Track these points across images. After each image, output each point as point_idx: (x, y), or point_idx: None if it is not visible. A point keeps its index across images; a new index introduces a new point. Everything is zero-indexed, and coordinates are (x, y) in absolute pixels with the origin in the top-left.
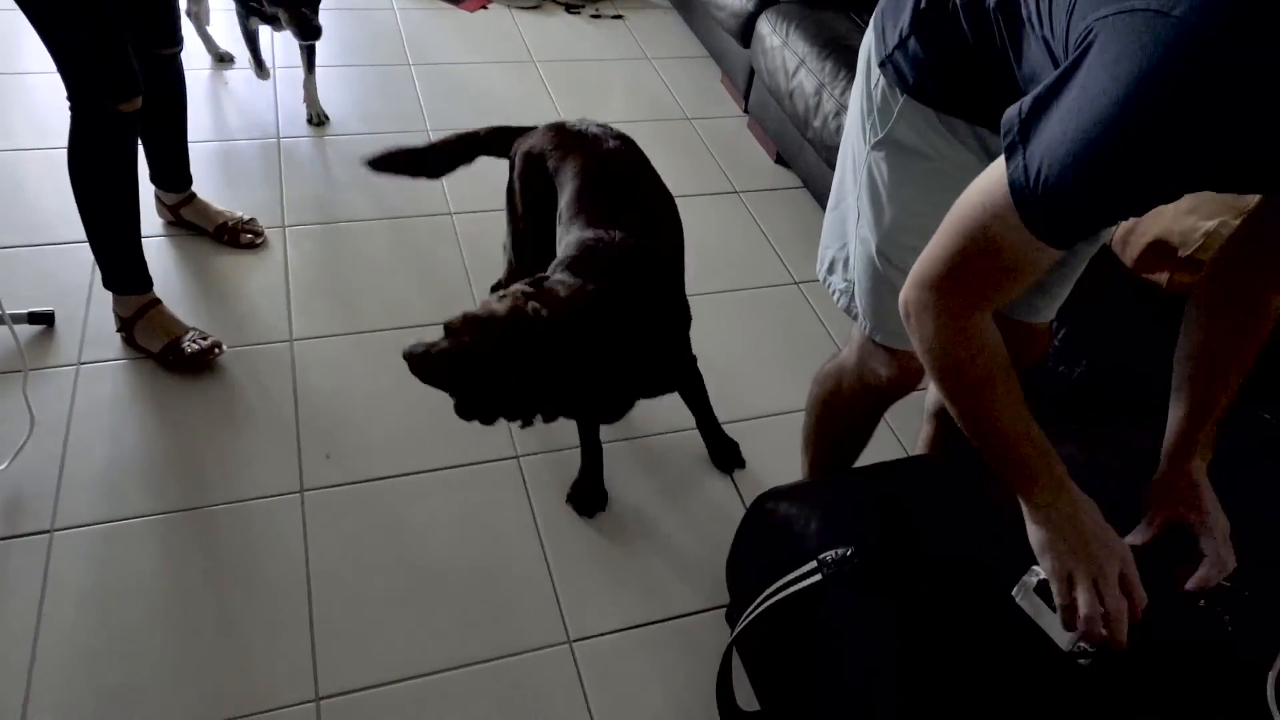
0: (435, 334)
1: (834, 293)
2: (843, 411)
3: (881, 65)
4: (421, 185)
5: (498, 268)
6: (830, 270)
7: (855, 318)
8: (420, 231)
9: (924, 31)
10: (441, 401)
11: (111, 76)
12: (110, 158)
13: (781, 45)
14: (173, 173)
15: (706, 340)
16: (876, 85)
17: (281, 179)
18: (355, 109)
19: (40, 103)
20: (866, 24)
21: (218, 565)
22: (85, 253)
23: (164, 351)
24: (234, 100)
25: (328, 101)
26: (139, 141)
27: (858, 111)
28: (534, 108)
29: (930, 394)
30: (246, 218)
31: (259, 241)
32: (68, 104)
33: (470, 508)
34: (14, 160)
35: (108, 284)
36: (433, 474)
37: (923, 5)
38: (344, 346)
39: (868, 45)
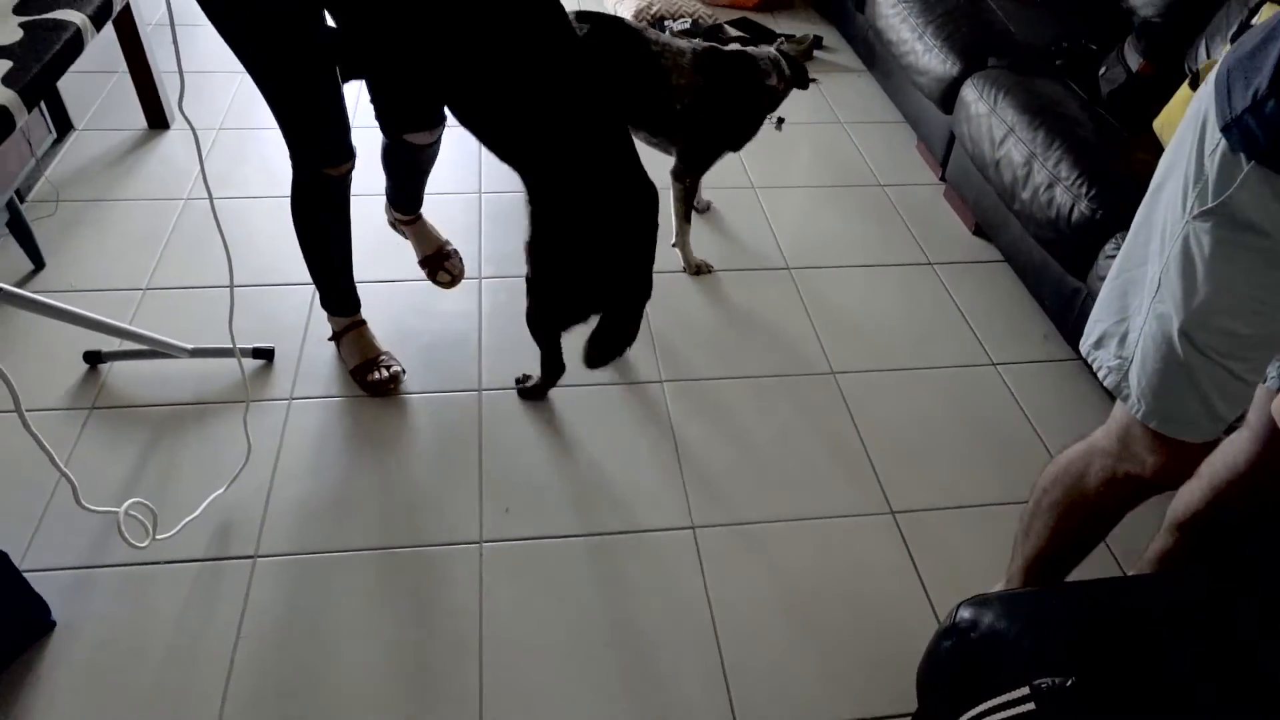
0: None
1: (1100, 369)
2: (1085, 502)
3: (1225, 129)
4: None
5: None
6: (1099, 344)
7: (1124, 399)
8: None
9: None
10: (618, 464)
11: (323, 145)
12: (323, 210)
13: (989, 113)
14: (406, 203)
15: (891, 420)
16: (1214, 151)
17: (480, 233)
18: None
19: (270, 156)
20: (1077, 89)
21: (396, 607)
22: (305, 294)
23: (356, 369)
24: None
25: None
26: (384, 164)
27: (1179, 179)
28: (720, 171)
29: (1180, 501)
30: (453, 249)
31: (450, 283)
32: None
33: (644, 574)
34: (247, 207)
35: (323, 305)
36: (605, 537)
37: None
38: (530, 403)
39: (1202, 109)
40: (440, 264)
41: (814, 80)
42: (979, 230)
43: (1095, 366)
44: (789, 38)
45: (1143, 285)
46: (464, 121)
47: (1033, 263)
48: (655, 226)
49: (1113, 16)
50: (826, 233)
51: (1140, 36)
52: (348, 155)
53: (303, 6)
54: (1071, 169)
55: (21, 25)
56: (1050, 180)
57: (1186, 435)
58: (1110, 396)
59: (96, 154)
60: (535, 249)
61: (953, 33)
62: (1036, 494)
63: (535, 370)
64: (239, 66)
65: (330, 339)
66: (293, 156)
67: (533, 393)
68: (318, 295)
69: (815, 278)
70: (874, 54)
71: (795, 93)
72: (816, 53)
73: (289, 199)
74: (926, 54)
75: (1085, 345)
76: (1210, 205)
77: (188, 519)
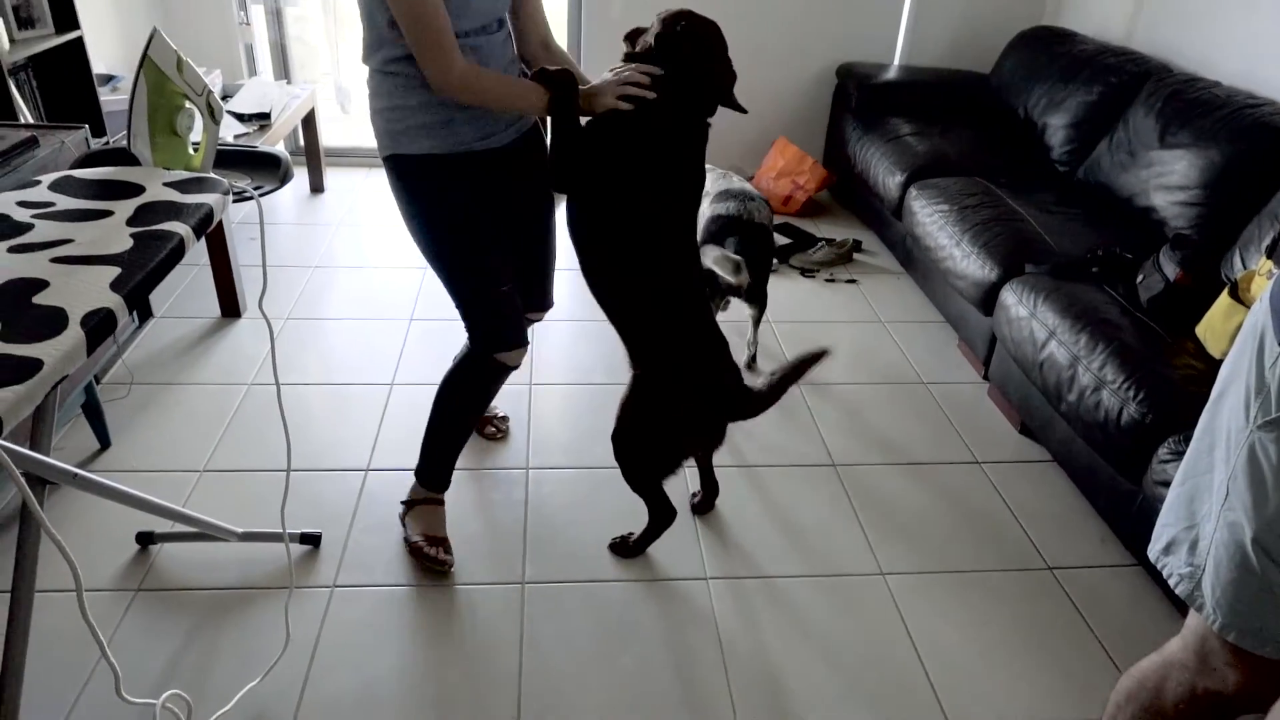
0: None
1: (1171, 575)
2: None
3: None
4: None
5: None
6: (1168, 550)
7: (1199, 609)
8: None
9: None
10: (660, 667)
11: (506, 333)
12: (477, 391)
13: (1029, 316)
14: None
15: (944, 626)
16: (1274, 364)
17: (529, 424)
18: (600, 362)
19: (330, 345)
20: (1118, 295)
21: None
22: (355, 481)
23: (418, 542)
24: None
25: (573, 363)
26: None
27: (1241, 388)
28: (763, 364)
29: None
30: (503, 415)
31: (500, 436)
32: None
33: None
34: (304, 393)
35: (417, 473)
36: None
37: None
38: (575, 597)
39: (1259, 323)
40: (490, 423)
41: (854, 281)
42: (1025, 429)
43: (1165, 573)
44: (830, 242)
45: (1210, 491)
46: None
47: (1083, 464)
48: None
49: (1145, 227)
50: (872, 430)
51: (1175, 247)
52: (517, 343)
53: (503, 204)
54: (1118, 372)
55: (132, 235)
56: (1096, 383)
57: (1268, 651)
58: (1182, 605)
59: (172, 340)
60: (627, 410)
61: (989, 240)
62: (1110, 711)
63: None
64: (312, 262)
65: (403, 503)
66: (472, 341)
67: (637, 547)
68: (419, 463)
69: (862, 475)
70: (912, 257)
71: (838, 293)
72: (856, 255)
73: (344, 384)
74: (964, 260)
75: (1154, 551)
76: (1275, 415)
77: (220, 711)
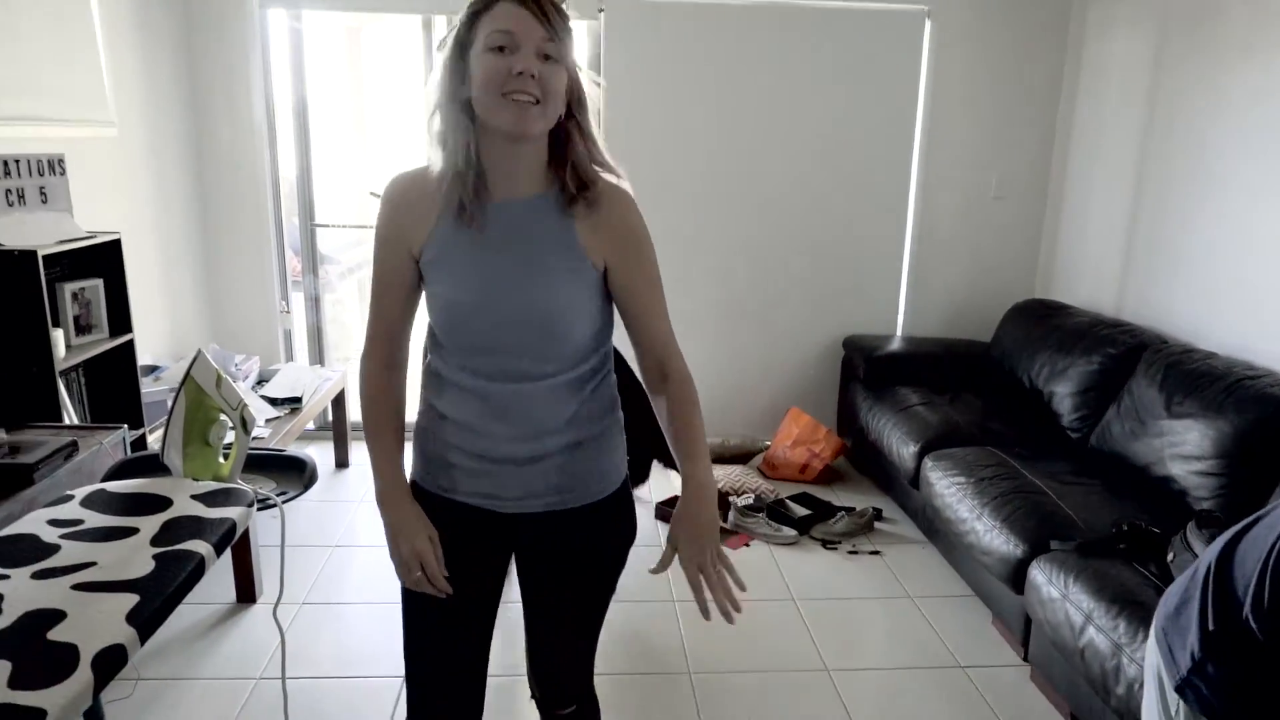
0: None
1: None
2: None
3: (1179, 690)
4: None
5: None
6: None
7: None
8: None
9: (1217, 653)
10: None
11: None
12: None
13: (1061, 598)
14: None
15: None
16: (1177, 712)
17: None
18: (626, 646)
19: (346, 633)
20: (1150, 574)
21: None
22: None
23: None
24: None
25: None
26: None
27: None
28: (794, 649)
29: None
30: None
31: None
32: None
33: None
34: (314, 689)
35: None
36: None
37: (1211, 626)
38: None
39: (1155, 664)
40: None
41: (877, 552)
42: (1075, 718)
43: None
44: (849, 511)
45: None
46: None
47: None
48: None
49: (1166, 497)
50: None
51: (1202, 526)
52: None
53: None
54: None
55: (155, 556)
56: (1143, 673)
57: None
58: None
59: (184, 628)
60: None
61: (1011, 514)
62: None
63: None
64: (332, 541)
65: None
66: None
67: None
68: None
69: None
70: (934, 527)
71: (862, 566)
72: (877, 524)
73: (361, 678)
74: (987, 534)
75: None
76: None
77: None
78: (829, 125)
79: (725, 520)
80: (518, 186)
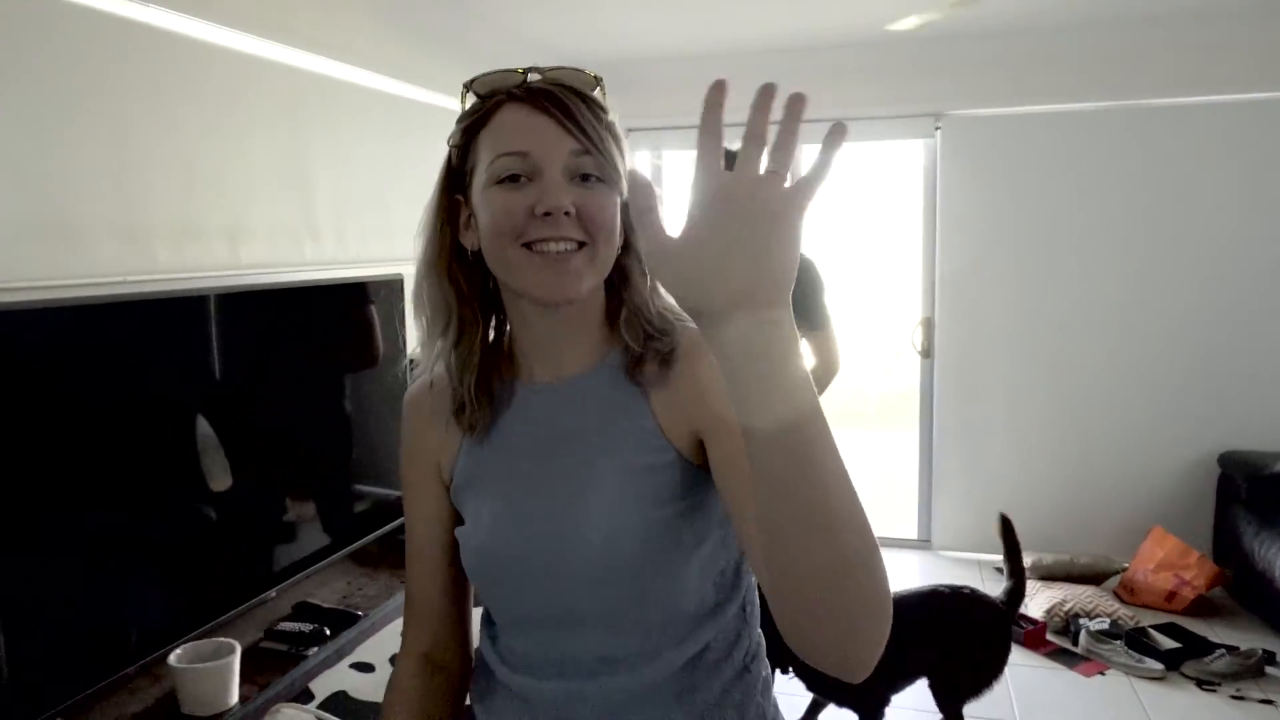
0: None
1: None
2: None
3: None
4: None
5: None
6: None
7: None
8: None
9: None
10: None
11: None
12: None
13: None
14: None
15: None
16: None
17: None
18: None
19: None
20: None
21: None
22: None
23: None
24: None
25: None
26: None
27: None
28: None
29: None
30: None
31: None
32: None
33: None
34: None
35: None
36: None
37: None
38: None
39: None
40: None
41: (1269, 702)
42: None
43: None
44: (1231, 650)
45: None
46: None
47: None
48: None
49: None
50: None
51: None
52: None
53: None
54: None
55: None
56: None
57: None
58: None
59: None
60: None
61: None
62: None
63: None
64: None
65: None
66: None
67: None
68: None
69: None
70: None
71: (1247, 714)
72: (1268, 668)
73: None
74: None
75: None
76: None
77: None
78: (1217, 221)
79: (1075, 644)
80: (561, 364)
